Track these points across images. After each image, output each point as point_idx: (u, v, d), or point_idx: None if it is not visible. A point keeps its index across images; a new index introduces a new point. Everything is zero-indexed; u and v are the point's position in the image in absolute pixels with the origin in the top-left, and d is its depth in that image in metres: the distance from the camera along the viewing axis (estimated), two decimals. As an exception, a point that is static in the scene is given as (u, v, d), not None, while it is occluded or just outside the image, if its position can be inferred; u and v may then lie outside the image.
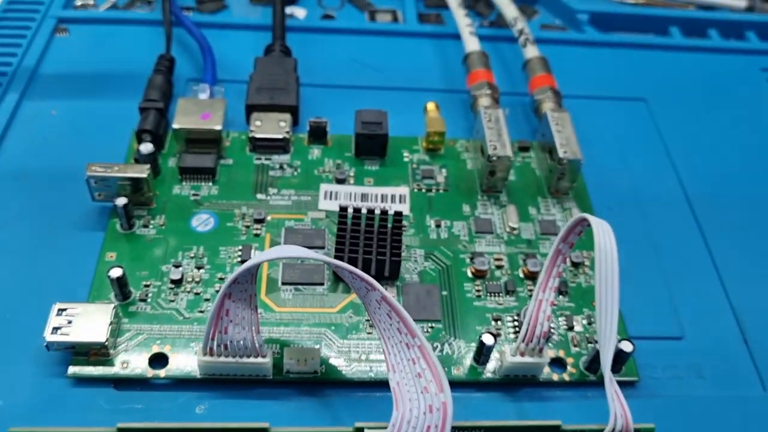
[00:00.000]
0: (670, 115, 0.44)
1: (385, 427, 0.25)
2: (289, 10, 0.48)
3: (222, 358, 0.28)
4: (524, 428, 0.26)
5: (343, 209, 0.33)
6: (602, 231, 0.27)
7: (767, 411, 0.31)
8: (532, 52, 0.42)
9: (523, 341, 0.29)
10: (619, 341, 0.30)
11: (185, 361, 0.29)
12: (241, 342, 0.28)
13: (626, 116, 0.43)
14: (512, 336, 0.32)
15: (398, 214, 0.33)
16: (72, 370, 0.29)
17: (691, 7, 0.52)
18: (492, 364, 0.30)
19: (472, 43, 0.42)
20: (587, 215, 0.28)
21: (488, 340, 0.30)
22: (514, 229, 0.35)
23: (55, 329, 0.29)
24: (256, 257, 0.27)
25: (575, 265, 0.34)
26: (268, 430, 0.25)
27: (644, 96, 0.44)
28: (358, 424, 0.25)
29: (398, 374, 0.26)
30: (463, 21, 0.44)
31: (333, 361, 0.30)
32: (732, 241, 0.37)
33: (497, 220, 0.36)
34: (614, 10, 0.50)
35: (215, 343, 0.28)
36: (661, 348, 0.33)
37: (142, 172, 0.33)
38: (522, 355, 0.30)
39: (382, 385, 0.29)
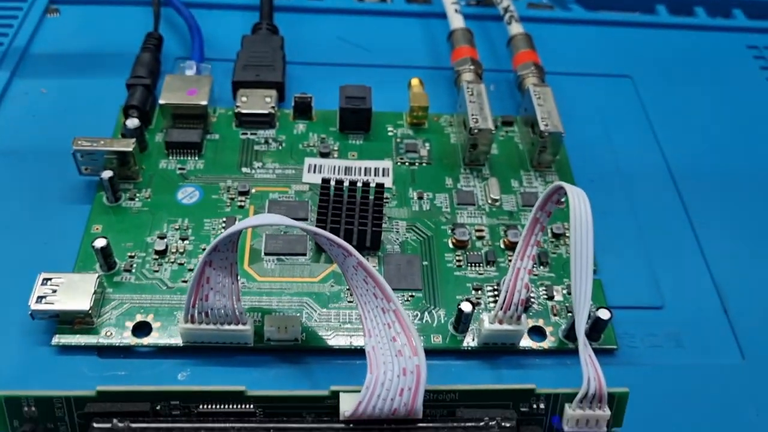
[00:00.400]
0: (655, 91, 0.44)
1: (360, 391, 0.25)
2: (278, -10, 0.48)
3: (203, 326, 0.29)
4: (498, 392, 0.26)
5: (326, 181, 0.34)
6: (577, 198, 0.28)
7: (745, 379, 0.31)
8: (516, 29, 0.42)
9: (501, 309, 0.30)
10: (597, 309, 0.30)
11: (168, 330, 0.30)
12: (222, 310, 0.29)
13: (611, 92, 0.44)
14: (492, 305, 0.32)
15: (380, 186, 0.34)
16: (56, 338, 0.30)
17: (679, -15, 0.52)
18: (470, 337, 0.31)
19: (456, 21, 0.42)
20: (563, 183, 0.28)
21: (466, 307, 0.30)
22: (495, 200, 0.35)
23: (40, 298, 0.29)
24: (236, 225, 0.27)
25: (556, 236, 0.34)
26: (244, 392, 0.26)
27: (630, 73, 0.45)
28: (334, 388, 0.26)
29: (374, 338, 0.26)
30: (448, -1, 0.44)
31: (314, 329, 0.31)
32: (713, 213, 0.37)
33: (479, 192, 0.36)
34: (602, -12, 0.50)
35: (196, 310, 0.29)
36: (640, 317, 0.33)
37: (128, 146, 0.34)
38: (500, 323, 0.30)
39: (361, 353, 0.30)
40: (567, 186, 0.28)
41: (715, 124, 0.42)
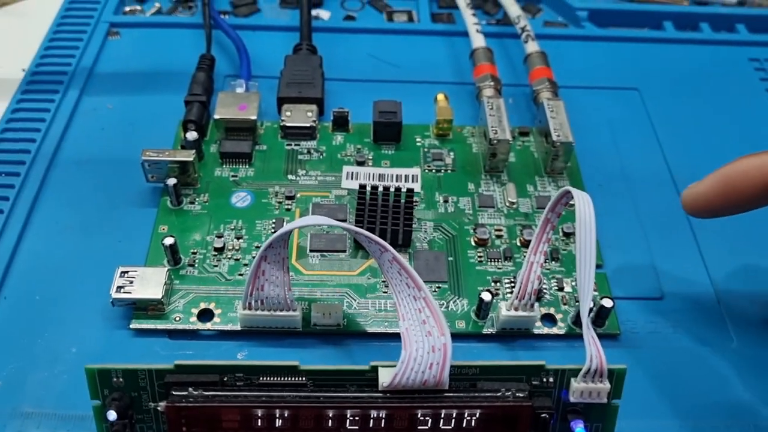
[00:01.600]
0: (661, 103, 0.48)
1: (396, 365, 0.30)
2: (314, 12, 0.53)
3: (259, 312, 0.34)
4: (513, 366, 0.31)
5: (363, 187, 0.38)
6: (582, 201, 0.32)
7: (736, 360, 0.35)
8: (532, 47, 0.46)
9: (516, 298, 0.34)
10: (601, 298, 0.35)
11: (227, 316, 0.35)
12: (275, 298, 0.33)
13: (619, 104, 0.48)
14: (509, 295, 0.36)
15: (410, 191, 0.38)
16: (133, 323, 0.34)
17: (685, 2, 0.56)
18: (490, 323, 0.35)
19: (478, 40, 0.47)
20: (570, 188, 0.32)
21: (486, 296, 0.34)
22: (513, 203, 0.40)
23: (119, 288, 0.34)
24: (287, 225, 0.31)
25: (567, 235, 0.39)
26: (298, 366, 0.30)
27: (637, 86, 0.49)
28: (373, 363, 0.30)
29: (407, 322, 0.30)
30: (470, 19, 0.49)
31: (354, 316, 0.35)
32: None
33: (498, 196, 0.40)
34: (612, 7, 0.54)
35: (253, 299, 0.33)
36: (642, 307, 0.37)
37: (189, 156, 0.39)
38: (516, 310, 0.34)
39: (395, 337, 0.34)
40: (573, 190, 0.32)
41: (716, 133, 0.46)
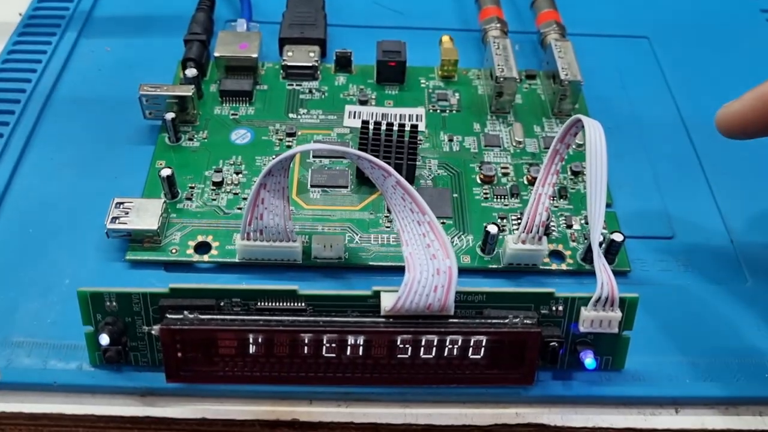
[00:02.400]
0: (671, 51, 0.47)
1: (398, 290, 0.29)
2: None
3: (258, 243, 0.33)
4: (521, 294, 0.30)
5: (366, 123, 0.37)
6: (593, 128, 0.31)
7: (748, 298, 0.34)
8: (540, -10, 0.45)
9: (524, 230, 0.33)
10: (612, 233, 0.33)
11: (226, 249, 0.34)
12: (275, 228, 0.32)
13: (629, 52, 0.47)
14: (516, 231, 0.35)
15: (414, 127, 0.37)
16: (129, 255, 0.33)
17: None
18: (496, 258, 0.34)
19: (484, -16, 0.46)
20: (580, 115, 0.31)
21: (492, 229, 0.33)
22: (519, 143, 0.39)
23: (114, 219, 0.33)
24: (288, 151, 0.30)
25: (575, 173, 0.38)
26: (297, 291, 0.29)
27: (647, 34, 0.48)
28: (375, 288, 0.29)
29: (410, 246, 0.29)
30: (476, -36, 0.48)
31: (355, 250, 0.34)
32: (721, 156, 0.40)
33: (504, 135, 0.39)
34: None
35: (252, 228, 0.32)
36: (652, 245, 0.36)
37: (188, 90, 0.38)
38: (523, 243, 0.33)
39: (397, 270, 0.33)
40: (584, 118, 0.31)
41: (726, 81, 0.45)
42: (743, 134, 0.33)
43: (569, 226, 0.35)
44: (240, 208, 0.35)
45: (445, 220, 0.35)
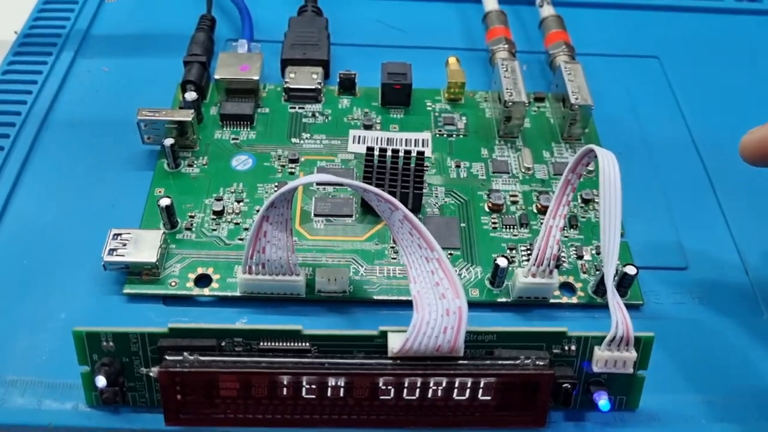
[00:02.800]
0: (682, 72, 0.46)
1: (407, 330, 0.28)
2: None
3: (260, 276, 0.32)
4: (533, 334, 0.29)
5: (371, 149, 0.36)
6: (607, 159, 0.30)
7: (765, 333, 0.33)
8: (548, 11, 0.44)
9: (534, 263, 0.32)
10: (624, 266, 0.32)
11: (226, 282, 0.33)
12: (277, 261, 0.31)
13: (639, 73, 0.46)
14: (525, 263, 0.34)
15: (420, 153, 0.36)
16: (126, 288, 0.32)
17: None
18: (505, 291, 0.33)
19: (490, 3, 0.45)
20: (594, 146, 0.30)
21: (502, 262, 0.32)
22: (528, 169, 0.38)
23: (111, 251, 0.32)
24: (291, 183, 0.29)
25: (585, 201, 0.37)
26: (300, 331, 0.28)
27: (657, 54, 0.47)
28: (382, 328, 0.28)
29: (418, 284, 0.28)
30: (483, -18, 0.47)
31: (360, 283, 0.33)
32: (735, 182, 0.39)
33: (513, 161, 0.38)
34: (631, -27, 0.52)
35: (254, 262, 0.31)
36: (666, 277, 0.35)
37: (187, 116, 0.37)
38: (534, 276, 0.32)
39: (404, 304, 0.32)
40: (597, 148, 0.30)
41: (740, 103, 0.44)
42: None
43: (580, 257, 0.34)
44: (242, 239, 0.34)
45: (452, 251, 0.34)
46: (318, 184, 0.37)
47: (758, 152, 0.32)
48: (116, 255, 0.32)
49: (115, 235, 0.33)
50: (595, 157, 0.30)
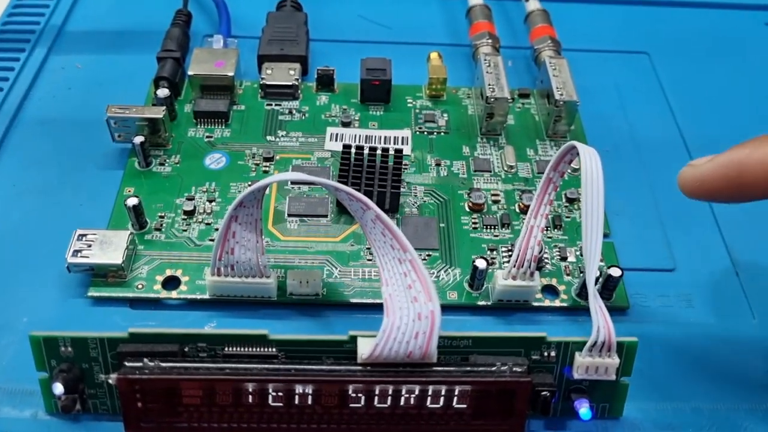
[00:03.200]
0: (672, 67, 0.45)
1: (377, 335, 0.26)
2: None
3: (229, 278, 0.30)
4: (510, 339, 0.27)
5: (347, 147, 0.35)
6: (589, 155, 0.29)
7: (756, 337, 0.32)
8: (534, 5, 0.43)
9: (514, 265, 0.31)
10: (609, 268, 0.31)
11: (195, 285, 0.31)
12: (247, 263, 0.30)
13: (628, 69, 0.45)
14: (506, 265, 0.33)
15: (399, 151, 0.35)
16: (91, 291, 0.31)
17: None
18: (485, 294, 0.32)
19: (475, -3, 0.44)
20: (575, 142, 0.29)
21: (481, 264, 0.31)
22: (511, 167, 0.37)
23: (76, 252, 0.31)
24: (260, 181, 0.28)
25: (570, 201, 0.35)
26: (267, 336, 0.27)
27: (647, 50, 0.46)
28: (352, 333, 0.27)
29: (390, 287, 0.27)
30: (467, -24, 0.45)
31: (334, 285, 0.32)
32: (726, 180, 0.38)
33: (495, 160, 0.37)
34: (619, -32, 0.51)
35: (222, 263, 0.30)
36: (653, 279, 0.34)
37: (159, 113, 0.35)
38: (514, 278, 0.31)
39: (378, 308, 0.31)
40: (579, 145, 0.29)
41: (731, 99, 0.43)
42: (709, 199, 0.30)
43: (563, 259, 0.33)
44: (212, 240, 0.33)
45: (431, 252, 0.33)
46: (290, 182, 0.35)
47: (696, 190, 0.29)
48: (81, 256, 0.31)
49: (80, 235, 0.32)
50: (578, 154, 0.29)
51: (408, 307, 0.26)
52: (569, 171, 0.37)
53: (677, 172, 0.38)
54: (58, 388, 0.26)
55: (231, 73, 0.38)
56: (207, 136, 0.37)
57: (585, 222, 0.28)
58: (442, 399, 0.27)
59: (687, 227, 0.36)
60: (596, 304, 0.27)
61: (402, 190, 0.34)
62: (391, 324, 0.26)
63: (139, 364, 0.26)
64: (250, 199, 0.28)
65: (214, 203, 0.34)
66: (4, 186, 0.36)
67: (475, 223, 0.34)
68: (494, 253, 0.33)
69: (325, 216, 0.34)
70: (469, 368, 0.27)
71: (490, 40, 0.41)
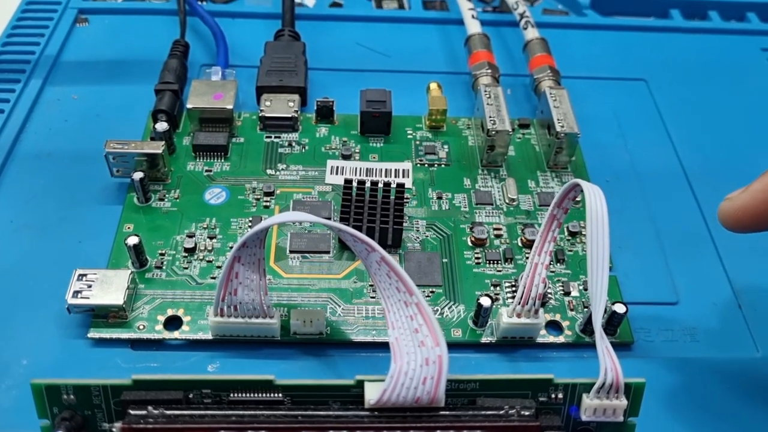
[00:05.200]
0: (670, 94, 0.45)
1: (384, 380, 0.26)
2: (299, -1, 0.50)
3: (232, 319, 0.30)
4: (517, 381, 0.27)
5: (348, 182, 0.35)
6: (593, 194, 0.29)
7: (760, 372, 0.32)
8: (532, 33, 0.43)
9: (519, 303, 0.31)
10: (613, 304, 0.31)
11: (198, 324, 0.31)
12: (250, 303, 0.30)
13: (626, 96, 0.44)
14: (510, 301, 0.33)
15: (400, 186, 0.35)
16: (92, 332, 0.31)
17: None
18: (489, 331, 0.32)
19: (473, 26, 0.44)
20: (580, 180, 0.29)
21: (486, 302, 0.31)
22: (513, 200, 0.36)
23: (76, 293, 0.31)
24: (263, 222, 0.28)
25: (572, 234, 0.35)
26: (273, 381, 0.27)
27: (644, 77, 0.46)
28: (359, 377, 0.27)
29: (397, 330, 0.27)
30: (465, 4, 0.45)
31: (338, 324, 0.32)
32: (727, 211, 0.38)
33: (497, 192, 0.37)
34: (615, -6, 0.51)
35: (225, 304, 0.30)
36: (656, 313, 0.34)
37: (158, 148, 0.35)
38: (518, 316, 0.31)
39: (384, 347, 0.31)
40: (583, 183, 0.29)
41: (729, 125, 0.43)
42: (756, 228, 0.29)
43: (567, 293, 0.33)
44: (214, 277, 0.33)
45: (434, 289, 0.33)
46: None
47: (740, 222, 0.29)
48: (81, 297, 0.31)
49: (80, 275, 0.31)
50: (581, 191, 0.29)
51: (415, 352, 0.26)
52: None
53: (677, 201, 0.39)
54: (61, 437, 0.26)
55: (230, 106, 0.38)
56: (206, 170, 0.37)
57: (590, 262, 0.28)
58: (450, 444, 0.26)
59: (689, 258, 0.36)
60: (603, 345, 0.27)
61: (404, 225, 0.34)
62: (398, 369, 0.26)
63: (144, 413, 0.26)
64: (253, 240, 0.28)
65: (215, 240, 0.34)
66: (1, 222, 0.35)
67: (478, 258, 0.34)
68: (498, 288, 0.33)
69: (327, 252, 0.34)
70: (476, 412, 0.26)
71: (489, 71, 0.40)
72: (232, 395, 0.27)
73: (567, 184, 0.29)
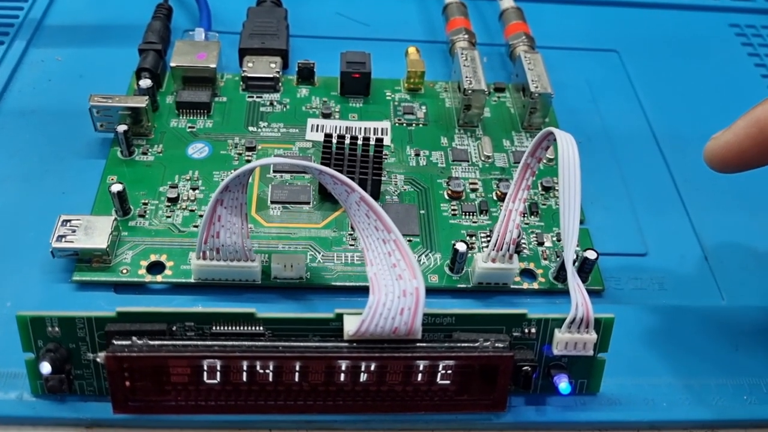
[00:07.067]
0: (641, 65, 0.46)
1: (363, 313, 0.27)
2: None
3: (214, 262, 0.31)
4: (492, 316, 0.28)
5: (329, 136, 0.36)
6: (566, 141, 0.30)
7: (725, 318, 0.33)
8: (508, 3, 0.44)
9: (494, 248, 0.32)
10: (584, 251, 0.32)
11: (181, 269, 0.32)
12: (232, 247, 0.30)
13: (599, 65, 0.46)
14: (486, 249, 0.34)
15: (379, 140, 0.36)
16: (75, 275, 0.31)
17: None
18: (465, 277, 0.33)
19: (451, -6, 0.45)
20: (553, 128, 0.30)
21: (461, 247, 0.32)
22: (488, 157, 0.37)
23: (60, 237, 0.31)
24: (246, 166, 0.29)
25: (546, 189, 0.36)
26: (254, 314, 0.27)
27: (617, 48, 0.47)
28: (338, 310, 0.28)
29: (375, 266, 0.28)
30: (443, -25, 0.46)
31: (317, 270, 0.32)
32: (693, 171, 0.39)
33: (473, 150, 0.38)
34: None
35: (208, 247, 0.30)
36: (626, 264, 0.35)
37: (141, 102, 0.36)
38: (493, 261, 0.32)
39: (362, 290, 0.31)
40: (556, 131, 0.30)
41: (697, 95, 0.45)
42: (742, 166, 0.30)
43: (540, 244, 0.34)
44: (196, 226, 0.33)
45: (411, 238, 0.34)
46: (274, 167, 0.36)
47: (726, 159, 0.30)
48: (65, 241, 0.31)
49: (64, 221, 0.32)
50: (555, 140, 0.30)
51: (393, 285, 0.27)
52: (545, 160, 0.38)
53: (647, 162, 0.40)
54: (46, 368, 0.26)
55: (213, 65, 0.39)
56: (189, 126, 0.38)
57: (563, 204, 0.29)
58: (426, 374, 0.27)
59: (658, 215, 0.37)
60: (575, 282, 0.28)
61: (383, 178, 0.35)
62: (377, 301, 0.27)
63: (128, 343, 0.26)
64: (235, 184, 0.29)
65: (197, 191, 0.35)
66: (-15, 175, 0.36)
67: (454, 209, 0.35)
68: (473, 238, 0.34)
69: (308, 203, 0.35)
70: (452, 344, 0.27)
71: (466, 36, 0.42)
72: (214, 328, 0.27)
73: (540, 132, 0.30)
